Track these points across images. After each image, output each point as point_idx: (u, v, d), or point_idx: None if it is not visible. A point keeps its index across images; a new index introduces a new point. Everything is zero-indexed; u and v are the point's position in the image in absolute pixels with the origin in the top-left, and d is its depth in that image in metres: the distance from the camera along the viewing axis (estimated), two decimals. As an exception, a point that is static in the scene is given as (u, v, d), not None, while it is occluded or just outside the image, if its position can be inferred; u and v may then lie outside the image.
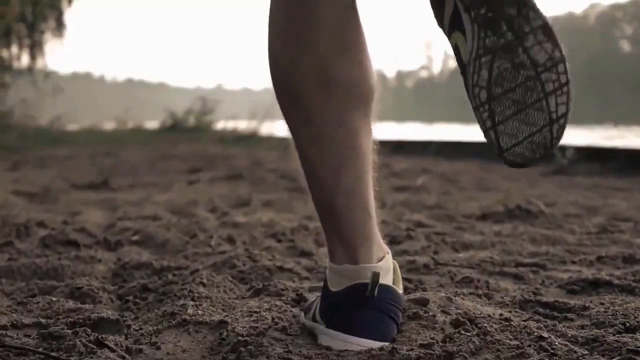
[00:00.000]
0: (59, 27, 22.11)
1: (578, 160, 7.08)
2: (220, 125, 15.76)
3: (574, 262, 2.23)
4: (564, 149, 7.55)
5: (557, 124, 1.46)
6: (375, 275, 1.45)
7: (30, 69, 20.92)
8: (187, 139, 13.62)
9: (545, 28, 1.46)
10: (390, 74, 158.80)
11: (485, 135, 1.45)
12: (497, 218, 3.12)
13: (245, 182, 5.52)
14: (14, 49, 21.37)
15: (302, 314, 1.57)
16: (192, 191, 4.98)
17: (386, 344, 1.40)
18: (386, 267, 1.51)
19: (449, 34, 1.51)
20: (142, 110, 22.11)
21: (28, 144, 11.19)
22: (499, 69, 1.45)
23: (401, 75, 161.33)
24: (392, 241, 2.50)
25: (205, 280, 1.80)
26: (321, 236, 2.63)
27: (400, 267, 1.92)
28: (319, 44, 1.45)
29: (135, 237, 2.59)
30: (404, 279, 1.88)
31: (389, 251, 1.56)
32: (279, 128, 14.84)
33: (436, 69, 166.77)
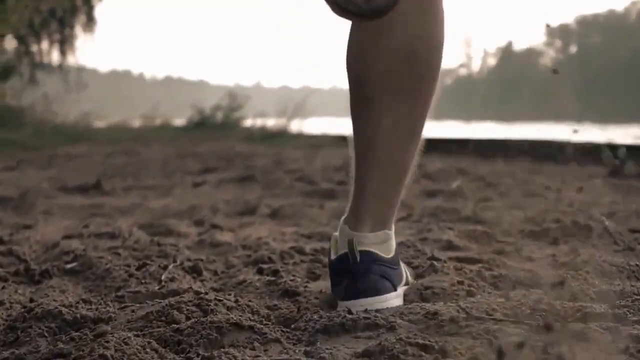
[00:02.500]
0: (90, 22, 21.72)
1: (629, 160, 6.37)
2: (249, 122, 15.19)
3: (667, 313, 1.56)
4: (615, 147, 6.87)
5: None
6: (350, 243, 1.57)
7: (60, 66, 20.59)
8: (213, 136, 13.05)
9: None
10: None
11: None
12: (549, 237, 2.44)
13: (257, 184, 4.90)
14: (44, 44, 21.07)
15: None
16: (194, 195, 4.37)
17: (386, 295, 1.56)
18: (378, 240, 1.61)
19: None
20: (178, 108, 21.60)
21: (45, 141, 10.65)
22: None
23: (440, 73, 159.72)
24: (410, 273, 1.86)
25: (111, 352, 1.16)
26: (316, 265, 1.99)
27: (415, 322, 1.48)
28: None
29: (71, 265, 1.95)
30: (418, 344, 1.27)
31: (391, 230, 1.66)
32: (308, 125, 14.28)
33: (475, 66, 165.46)
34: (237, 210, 3.64)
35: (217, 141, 11.43)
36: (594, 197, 4.29)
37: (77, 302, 1.58)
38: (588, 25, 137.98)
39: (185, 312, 1.42)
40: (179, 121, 17.62)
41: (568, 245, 2.30)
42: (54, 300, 1.60)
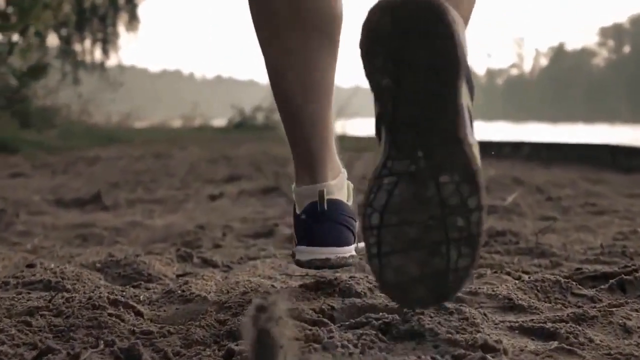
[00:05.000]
0: (133, 20, 21.36)
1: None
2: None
3: None
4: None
5: (455, 275, 1.24)
6: (321, 193, 1.61)
7: (101, 64, 20.25)
8: (252, 138, 12.51)
9: (468, 168, 1.24)
10: (481, 71, 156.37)
11: (369, 262, 1.29)
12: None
13: (282, 197, 4.27)
14: (87, 43, 20.75)
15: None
16: (207, 211, 3.76)
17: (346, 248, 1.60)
18: (339, 185, 1.67)
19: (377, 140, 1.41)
20: (223, 108, 21.18)
21: (74, 143, 10.14)
22: (400, 196, 1.26)
23: (491, 73, 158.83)
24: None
25: None
26: (313, 347, 1.35)
27: None
28: None
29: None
30: None
31: (344, 170, 1.71)
32: (353, 127, 13.65)
33: (527, 67, 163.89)
34: (251, 232, 3.05)
35: (254, 143, 10.86)
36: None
37: None
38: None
39: None
40: (220, 122, 17.15)
41: (673, 304, 1.64)
42: None
